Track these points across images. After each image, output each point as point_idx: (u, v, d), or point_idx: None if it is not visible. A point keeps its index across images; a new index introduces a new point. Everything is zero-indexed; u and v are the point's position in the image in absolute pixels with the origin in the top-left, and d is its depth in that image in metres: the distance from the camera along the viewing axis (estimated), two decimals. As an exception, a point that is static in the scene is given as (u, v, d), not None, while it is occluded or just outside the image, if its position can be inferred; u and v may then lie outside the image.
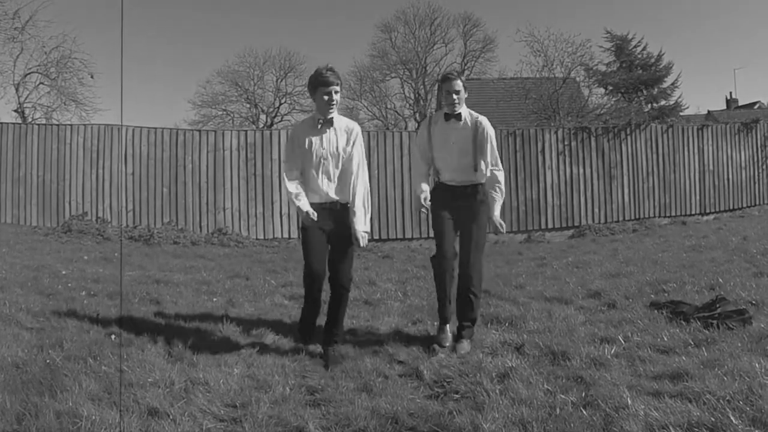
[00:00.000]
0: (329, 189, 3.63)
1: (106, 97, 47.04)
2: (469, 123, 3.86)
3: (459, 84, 3.80)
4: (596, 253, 8.08)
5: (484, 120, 3.89)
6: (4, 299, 4.54)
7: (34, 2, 24.32)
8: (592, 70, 21.08)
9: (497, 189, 3.91)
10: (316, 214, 3.48)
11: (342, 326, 3.75)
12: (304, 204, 3.51)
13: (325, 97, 3.54)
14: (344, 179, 3.66)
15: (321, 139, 3.63)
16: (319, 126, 3.62)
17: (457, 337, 3.80)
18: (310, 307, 3.74)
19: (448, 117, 3.87)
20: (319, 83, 3.55)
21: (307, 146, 3.62)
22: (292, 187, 3.58)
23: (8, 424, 2.44)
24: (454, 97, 3.79)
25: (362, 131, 3.84)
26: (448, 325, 3.87)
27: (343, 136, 3.66)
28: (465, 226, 3.84)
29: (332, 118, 3.62)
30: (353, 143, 3.68)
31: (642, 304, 4.46)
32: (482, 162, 3.84)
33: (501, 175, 3.93)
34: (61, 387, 2.78)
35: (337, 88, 3.57)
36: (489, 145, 3.86)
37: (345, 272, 3.62)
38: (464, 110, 3.88)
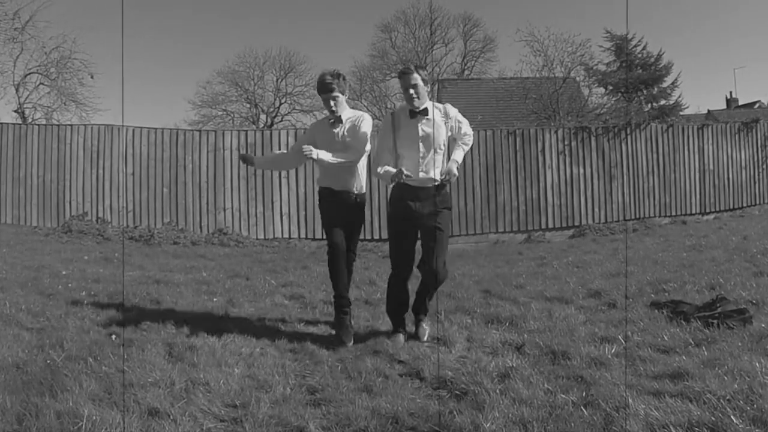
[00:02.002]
0: (342, 180, 3.97)
1: (106, 98, 47.11)
2: (438, 116, 3.74)
3: (415, 77, 3.64)
4: (596, 252, 8.08)
5: (450, 108, 3.80)
6: (4, 299, 4.54)
7: (34, 2, 24.38)
8: (592, 70, 21.06)
9: (466, 141, 3.85)
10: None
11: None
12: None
13: (325, 103, 3.96)
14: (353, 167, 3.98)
15: (333, 136, 3.97)
16: (330, 123, 4.00)
17: (417, 325, 3.93)
18: (337, 275, 3.97)
19: (413, 114, 3.71)
20: (318, 90, 3.97)
21: (320, 144, 3.94)
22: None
23: (8, 425, 2.44)
24: (411, 92, 3.65)
25: None
26: (401, 333, 3.84)
27: (350, 126, 3.98)
28: (429, 230, 3.69)
29: (340, 116, 3.96)
30: (358, 127, 3.95)
31: (642, 304, 4.45)
32: (456, 152, 3.75)
33: (470, 131, 3.89)
34: (62, 387, 2.78)
35: (335, 94, 3.89)
36: (459, 128, 3.80)
37: (352, 245, 4.04)
38: (428, 104, 3.74)
